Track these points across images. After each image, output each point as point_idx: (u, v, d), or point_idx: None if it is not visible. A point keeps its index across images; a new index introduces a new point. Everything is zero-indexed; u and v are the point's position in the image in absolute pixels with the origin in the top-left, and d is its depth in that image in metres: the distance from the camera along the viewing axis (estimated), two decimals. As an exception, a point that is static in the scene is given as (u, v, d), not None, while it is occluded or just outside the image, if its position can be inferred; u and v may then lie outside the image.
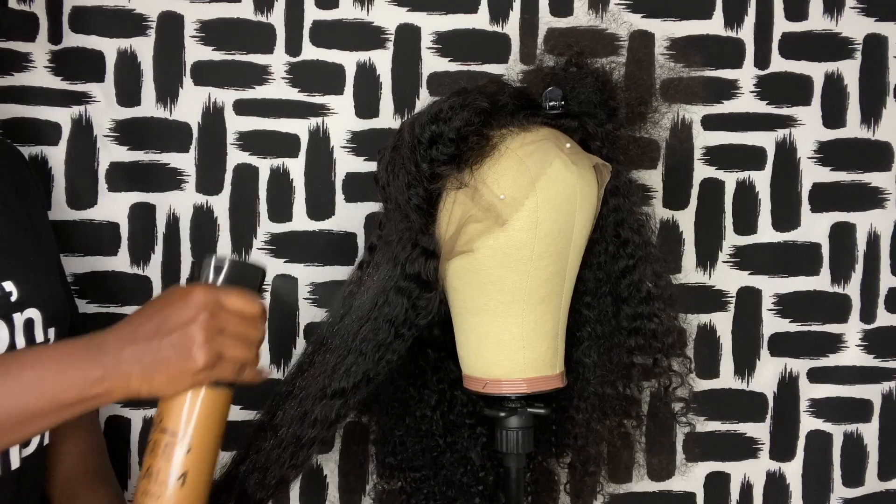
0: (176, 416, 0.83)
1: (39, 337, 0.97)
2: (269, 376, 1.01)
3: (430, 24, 1.27)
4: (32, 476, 0.99)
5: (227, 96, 1.26)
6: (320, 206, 1.28)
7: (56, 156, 1.23)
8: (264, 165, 1.27)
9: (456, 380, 1.13)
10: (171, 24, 1.24)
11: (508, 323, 1.02)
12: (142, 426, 1.27)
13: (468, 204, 0.99)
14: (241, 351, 0.83)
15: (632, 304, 1.10)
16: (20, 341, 0.94)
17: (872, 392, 1.34)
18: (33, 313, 0.96)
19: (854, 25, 1.30)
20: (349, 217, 1.28)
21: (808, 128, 1.31)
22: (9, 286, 0.94)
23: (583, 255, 1.06)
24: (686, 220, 1.31)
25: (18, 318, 0.94)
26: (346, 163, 1.27)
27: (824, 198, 1.32)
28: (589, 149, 1.06)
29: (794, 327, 1.33)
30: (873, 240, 1.32)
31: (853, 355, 1.33)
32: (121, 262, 1.26)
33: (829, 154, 1.31)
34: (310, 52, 1.26)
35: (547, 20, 1.27)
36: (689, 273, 1.31)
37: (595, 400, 1.11)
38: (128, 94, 1.24)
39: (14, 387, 0.76)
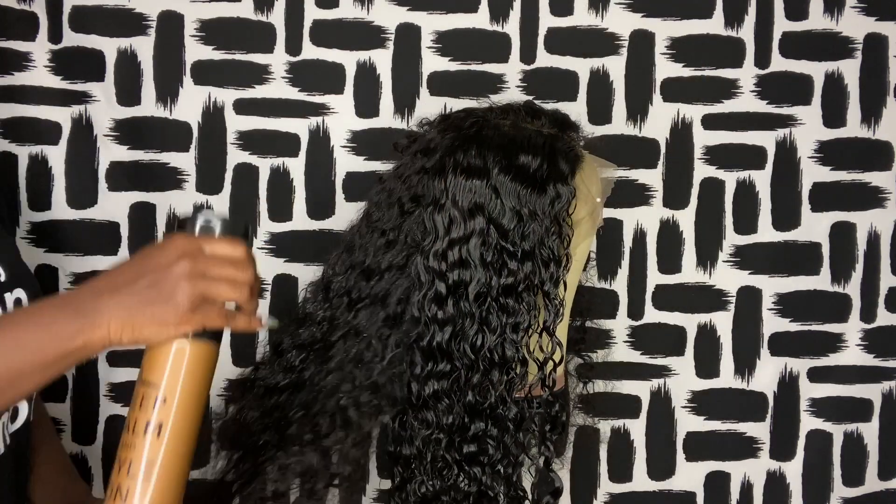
0: (156, 368, 0.79)
1: None
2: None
3: (431, 23, 1.27)
4: (22, 453, 0.98)
5: (227, 96, 1.26)
6: (320, 205, 1.28)
7: (56, 155, 1.23)
8: (264, 165, 1.27)
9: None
10: (171, 23, 1.24)
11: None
12: (142, 426, 1.27)
13: (578, 208, 0.98)
14: (228, 291, 0.79)
15: None
16: None
17: (872, 392, 1.34)
18: (20, 293, 0.94)
19: (854, 25, 1.30)
20: (349, 216, 1.27)
21: (809, 127, 1.31)
22: None
23: None
24: (686, 219, 1.31)
25: (9, 298, 0.92)
26: (346, 162, 1.27)
27: (824, 197, 1.31)
28: None
29: (794, 327, 1.33)
30: (873, 239, 1.32)
31: (853, 355, 1.33)
32: (121, 261, 1.26)
33: (829, 153, 1.31)
34: (310, 51, 1.26)
35: (547, 20, 1.27)
36: (689, 273, 1.31)
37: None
38: (128, 93, 1.24)
39: None
